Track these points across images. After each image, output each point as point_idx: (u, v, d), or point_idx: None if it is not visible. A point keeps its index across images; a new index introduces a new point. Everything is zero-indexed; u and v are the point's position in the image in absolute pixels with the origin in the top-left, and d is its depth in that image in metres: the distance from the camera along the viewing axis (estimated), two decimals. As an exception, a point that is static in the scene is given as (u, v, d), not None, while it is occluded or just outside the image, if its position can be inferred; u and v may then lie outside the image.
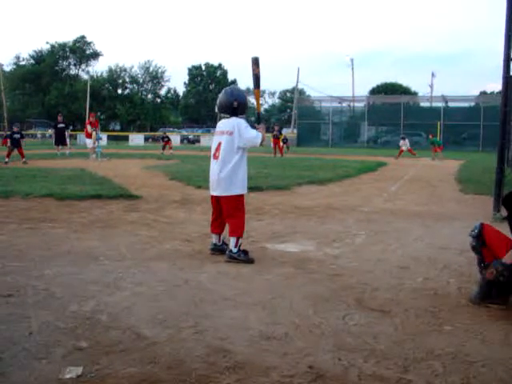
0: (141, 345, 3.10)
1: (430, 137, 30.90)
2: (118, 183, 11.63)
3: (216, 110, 5.49)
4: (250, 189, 11.17)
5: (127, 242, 5.98)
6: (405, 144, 30.79)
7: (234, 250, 5.23)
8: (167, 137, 31.94)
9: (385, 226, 7.52)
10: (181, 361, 2.89)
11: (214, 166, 5.36)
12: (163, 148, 30.34)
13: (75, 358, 2.90)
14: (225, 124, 5.40)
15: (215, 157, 5.36)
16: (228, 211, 5.34)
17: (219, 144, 5.34)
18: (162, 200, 9.54)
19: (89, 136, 22.85)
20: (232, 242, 5.27)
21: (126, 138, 54.01)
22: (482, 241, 4.00)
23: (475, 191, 11.40)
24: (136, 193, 10.07)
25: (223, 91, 5.55)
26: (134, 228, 6.90)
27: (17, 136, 19.15)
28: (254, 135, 5.30)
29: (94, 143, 22.71)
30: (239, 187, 5.39)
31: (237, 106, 5.37)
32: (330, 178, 14.52)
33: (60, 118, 26.04)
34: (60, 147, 24.94)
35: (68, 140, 26.60)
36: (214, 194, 5.42)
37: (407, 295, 4.22)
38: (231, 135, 5.29)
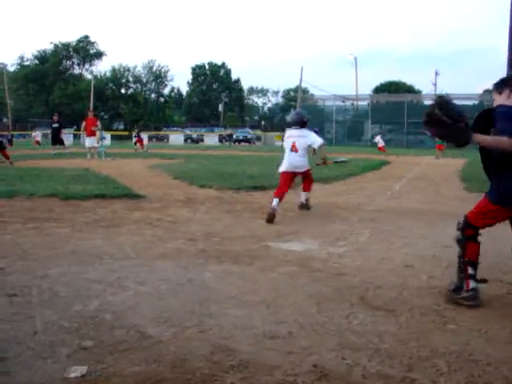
0: (145, 344, 3.11)
1: None
2: (121, 183, 11.64)
3: (289, 120, 8.54)
4: (254, 188, 11.25)
5: (131, 242, 5.99)
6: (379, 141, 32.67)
7: (304, 202, 8.57)
8: (138, 134, 33.21)
9: (389, 224, 7.51)
10: (185, 360, 2.90)
11: (294, 155, 8.21)
12: (135, 143, 31.37)
13: (80, 357, 2.91)
14: (298, 132, 8.29)
15: (295, 150, 8.19)
16: (306, 178, 8.47)
17: (294, 142, 8.17)
18: (165, 199, 9.54)
19: (90, 134, 22.72)
20: (305, 195, 8.60)
21: (130, 138, 54.06)
22: (467, 235, 4.00)
23: (480, 189, 11.26)
24: (140, 192, 10.08)
25: (295, 112, 9.01)
26: (137, 227, 6.91)
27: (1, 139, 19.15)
28: (321, 139, 8.61)
29: (98, 143, 22.74)
30: (308, 165, 8.41)
31: (306, 121, 8.45)
32: (334, 176, 14.50)
33: (55, 118, 26.00)
34: (57, 146, 24.89)
35: (65, 139, 26.62)
36: (295, 170, 8.27)
37: (412, 294, 4.21)
38: (304, 138, 8.26)
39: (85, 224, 7.04)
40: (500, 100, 3.94)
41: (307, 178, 8.50)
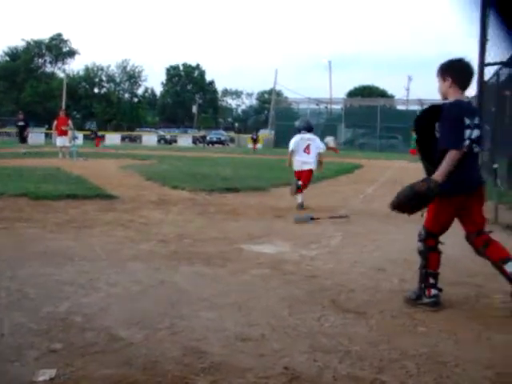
0: (116, 346, 3.08)
1: (414, 134, 30.68)
2: (93, 183, 11.53)
3: (299, 125, 10.29)
4: (227, 190, 11.25)
5: (103, 243, 5.93)
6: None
7: (300, 201, 9.31)
8: (95, 133, 33.25)
9: (361, 227, 7.57)
10: (156, 362, 2.88)
11: (307, 156, 9.69)
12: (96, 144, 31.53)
13: (49, 360, 2.87)
14: (311, 136, 9.92)
15: (307, 152, 9.70)
16: (308, 176, 9.65)
17: (308, 145, 9.73)
18: (138, 200, 9.48)
19: (60, 133, 22.55)
20: (301, 196, 9.37)
21: (103, 138, 53.56)
22: (429, 245, 4.06)
23: (450, 194, 11.49)
24: (112, 193, 9.99)
25: (305, 120, 11.20)
26: (109, 228, 6.85)
27: None
28: (323, 145, 10.32)
29: (70, 142, 22.48)
30: (314, 165, 9.79)
31: (312, 127, 10.35)
32: (307, 179, 14.54)
33: (20, 116, 25.91)
34: (25, 145, 24.77)
35: (35, 138, 26.50)
36: (306, 168, 9.61)
37: (383, 297, 4.26)
38: (315, 142, 9.89)
39: (56, 224, 6.95)
40: (442, 88, 4.03)
41: (309, 176, 9.69)
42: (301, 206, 9.19)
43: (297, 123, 10.59)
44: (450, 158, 3.78)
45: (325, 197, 11.32)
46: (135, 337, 3.22)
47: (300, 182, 9.43)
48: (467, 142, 3.88)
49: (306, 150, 9.71)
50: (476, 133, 3.94)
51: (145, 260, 5.22)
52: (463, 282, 4.75)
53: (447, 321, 3.72)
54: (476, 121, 3.96)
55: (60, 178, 12.48)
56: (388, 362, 2.98)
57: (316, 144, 9.88)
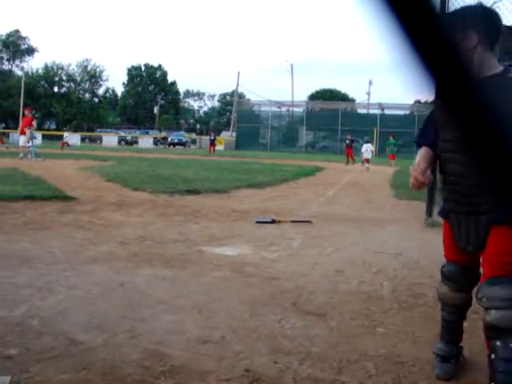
0: (74, 350, 3.03)
1: (391, 138, 30.56)
2: (52, 184, 11.30)
3: (366, 140, 29.10)
4: (188, 192, 11.20)
5: (61, 245, 5.83)
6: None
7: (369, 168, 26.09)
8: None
9: (321, 230, 7.64)
10: (116, 366, 2.84)
11: (367, 153, 26.09)
12: None
13: (3, 366, 2.79)
14: (369, 145, 26.87)
15: (368, 151, 26.37)
16: (369, 160, 26.41)
17: (367, 148, 26.36)
18: (97, 202, 9.34)
19: (23, 133, 22.11)
20: (368, 166, 25.81)
21: (62, 138, 52.65)
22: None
23: (409, 197, 11.68)
24: (71, 194, 9.82)
25: (367, 138, 31.07)
26: (68, 230, 6.73)
27: None
28: (373, 147, 29.55)
29: (28, 142, 22.03)
30: (370, 156, 26.93)
31: (370, 141, 29.42)
32: (268, 181, 14.63)
33: None
34: None
35: None
36: (367, 157, 26.16)
37: (342, 298, 4.30)
38: (370, 147, 27.10)
39: (12, 226, 6.79)
40: None
41: (369, 160, 25.19)
42: (368, 169, 23.62)
43: (365, 139, 28.62)
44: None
45: (285, 199, 11.37)
46: (94, 341, 3.17)
47: (366, 164, 24.29)
48: None
49: (368, 150, 25.38)
50: None
51: (104, 262, 5.15)
52: (422, 282, 4.84)
53: (405, 321, 3.79)
54: None
55: (17, 178, 12.21)
56: (347, 362, 3.01)
57: (371, 148, 25.22)
